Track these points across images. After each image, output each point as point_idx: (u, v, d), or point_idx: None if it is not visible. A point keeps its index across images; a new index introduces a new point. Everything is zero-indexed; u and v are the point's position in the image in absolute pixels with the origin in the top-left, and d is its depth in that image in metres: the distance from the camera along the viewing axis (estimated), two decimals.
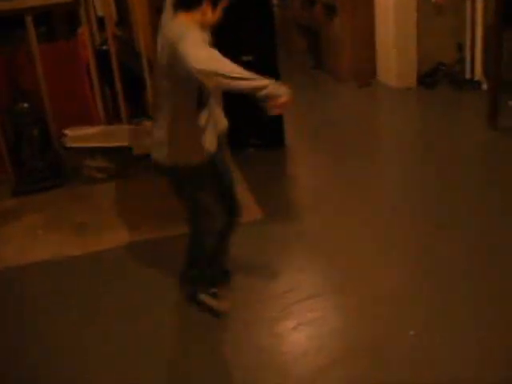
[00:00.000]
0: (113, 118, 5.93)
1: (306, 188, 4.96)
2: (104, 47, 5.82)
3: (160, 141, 3.05)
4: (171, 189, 3.21)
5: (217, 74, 2.65)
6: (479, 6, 6.46)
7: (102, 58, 5.69)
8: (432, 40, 6.87)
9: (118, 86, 5.65)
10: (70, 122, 5.41)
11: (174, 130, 3.01)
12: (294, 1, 9.33)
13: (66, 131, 5.32)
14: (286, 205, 4.67)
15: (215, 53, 2.73)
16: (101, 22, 6.10)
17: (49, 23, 5.89)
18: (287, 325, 3.23)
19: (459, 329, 3.06)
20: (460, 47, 6.85)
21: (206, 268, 3.39)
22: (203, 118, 2.98)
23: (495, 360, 2.83)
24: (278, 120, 5.48)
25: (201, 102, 2.94)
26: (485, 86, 6.49)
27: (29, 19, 5.15)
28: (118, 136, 5.41)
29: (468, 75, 6.80)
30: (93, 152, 5.21)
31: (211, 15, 2.91)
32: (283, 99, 2.66)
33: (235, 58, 2.72)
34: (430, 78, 6.98)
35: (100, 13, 6.39)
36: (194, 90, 2.88)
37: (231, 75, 2.63)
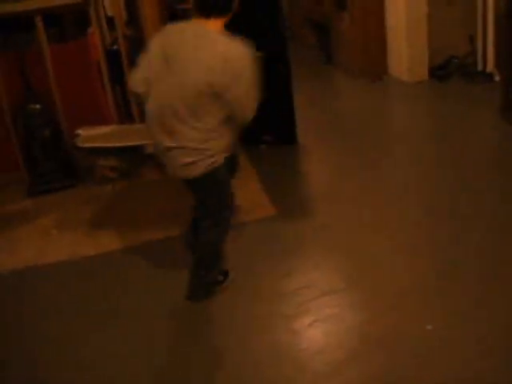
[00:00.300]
0: (125, 117, 5.93)
1: (320, 184, 4.95)
2: (114, 47, 5.83)
3: (199, 156, 3.08)
4: (201, 194, 3.31)
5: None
6: None
7: (113, 57, 5.69)
8: (443, 32, 6.82)
9: None
10: (82, 122, 5.40)
11: (215, 137, 3.08)
12: None
13: (79, 131, 5.31)
14: (300, 201, 4.66)
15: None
16: (110, 21, 6.10)
17: (59, 24, 5.89)
18: (303, 321, 3.23)
19: (476, 326, 3.03)
20: (471, 39, 6.80)
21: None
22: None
23: None
24: (291, 116, 5.47)
25: None
26: (497, 78, 6.45)
27: (38, 20, 5.16)
28: (131, 135, 5.39)
29: (480, 67, 6.76)
30: (105, 151, 5.20)
31: None
32: None
33: None
34: (441, 70, 6.94)
35: (110, 13, 6.40)
36: None
37: None
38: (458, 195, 4.32)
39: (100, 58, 5.52)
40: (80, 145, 5.19)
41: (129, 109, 5.85)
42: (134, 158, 5.34)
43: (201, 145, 3.04)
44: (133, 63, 5.63)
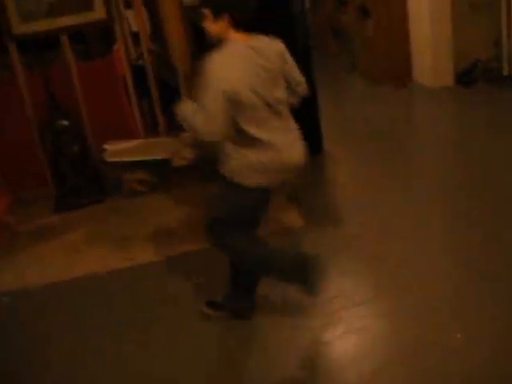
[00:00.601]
0: (151, 131, 5.97)
1: (347, 193, 4.92)
2: (140, 62, 5.88)
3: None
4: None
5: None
6: None
7: (139, 72, 5.74)
8: (467, 37, 6.77)
9: (155, 99, 5.70)
10: (109, 137, 5.44)
11: None
12: (326, 4, 9.32)
13: (106, 146, 5.36)
14: (327, 211, 4.64)
15: None
16: (135, 37, 6.16)
17: (84, 41, 5.97)
18: (334, 332, 3.21)
19: (509, 335, 2.99)
20: (496, 43, 6.74)
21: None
22: None
23: None
24: (317, 126, 5.46)
25: None
26: None
27: (64, 38, 5.23)
28: (157, 149, 5.42)
29: (506, 72, 6.69)
30: (133, 165, 5.24)
31: None
32: None
33: None
34: (466, 76, 6.89)
35: (134, 28, 6.46)
36: None
37: None
38: (488, 201, 4.27)
39: (126, 73, 5.57)
40: (107, 159, 5.24)
41: (155, 123, 5.89)
42: (162, 171, 5.37)
43: None
44: (158, 78, 5.71)
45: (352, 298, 3.45)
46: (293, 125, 3.12)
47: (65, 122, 5.28)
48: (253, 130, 2.92)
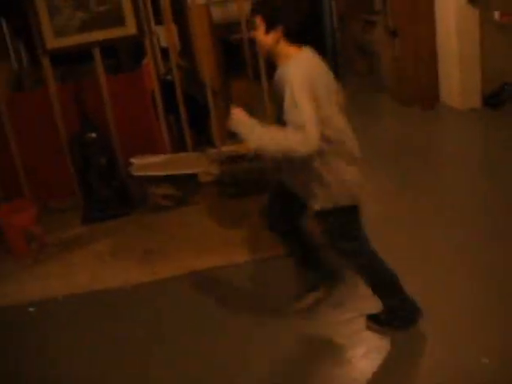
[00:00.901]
0: (178, 146, 6.03)
1: (370, 211, 4.90)
2: (168, 77, 5.95)
3: None
4: None
5: None
6: None
7: (167, 87, 5.81)
8: (496, 59, 6.75)
9: (183, 114, 5.75)
10: (137, 151, 5.52)
11: None
12: (354, 24, 9.35)
13: (133, 160, 5.43)
14: None
15: None
16: (164, 52, 6.24)
17: (115, 55, 6.06)
18: (356, 352, 3.20)
19: None
20: None
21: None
22: None
23: None
24: None
25: None
26: None
27: (96, 51, 5.32)
28: (184, 164, 5.48)
29: None
30: (159, 180, 5.29)
31: None
32: None
33: None
34: (494, 98, 6.86)
35: (164, 43, 6.55)
36: None
37: None
38: (505, 223, 4.24)
39: (154, 87, 5.64)
40: (134, 173, 5.30)
41: (182, 138, 5.94)
42: (187, 186, 5.41)
43: None
44: (186, 93, 5.77)
45: None
46: None
47: (93, 135, 5.35)
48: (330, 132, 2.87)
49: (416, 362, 3.09)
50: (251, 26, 2.90)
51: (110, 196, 5.41)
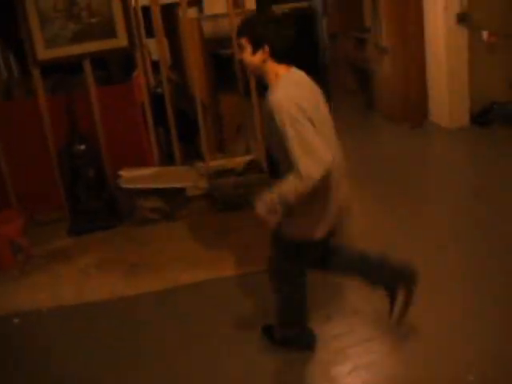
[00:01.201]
0: (166, 159, 6.02)
1: (358, 231, 4.91)
2: (158, 90, 5.95)
3: None
4: None
5: None
6: None
7: (157, 100, 5.81)
8: (484, 78, 6.82)
9: (172, 127, 5.75)
10: (125, 163, 5.51)
11: None
12: (345, 42, 9.41)
13: (121, 172, 5.42)
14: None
15: None
16: (155, 65, 6.24)
17: (105, 67, 6.06)
18: (342, 368, 3.19)
19: None
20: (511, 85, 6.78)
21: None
22: None
23: None
24: None
25: None
26: None
27: (87, 63, 5.32)
28: (172, 177, 5.48)
29: None
30: (147, 193, 5.28)
31: None
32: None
33: None
34: (482, 117, 6.91)
35: (155, 56, 6.55)
36: None
37: None
38: (501, 241, 4.26)
39: (144, 100, 5.64)
40: (122, 185, 5.29)
41: (171, 151, 5.94)
42: (175, 200, 5.40)
43: None
44: (175, 106, 5.78)
45: (362, 334, 3.43)
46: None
47: (82, 146, 5.34)
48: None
49: (403, 378, 3.08)
50: (239, 47, 2.90)
51: (97, 208, 5.39)
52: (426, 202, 5.24)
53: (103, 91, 5.52)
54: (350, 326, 3.53)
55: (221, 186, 5.39)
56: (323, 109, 2.93)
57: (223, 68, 7.12)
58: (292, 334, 3.35)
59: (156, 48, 6.25)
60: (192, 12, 6.55)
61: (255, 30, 2.83)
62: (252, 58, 2.85)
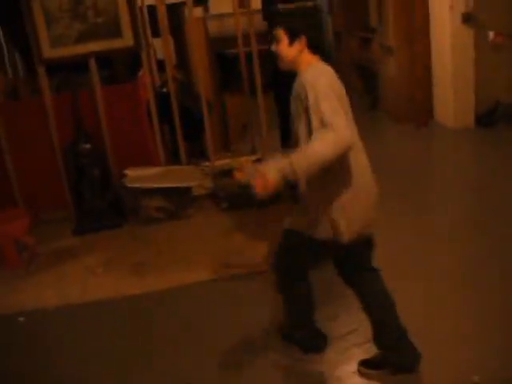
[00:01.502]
0: (172, 158, 6.03)
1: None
2: (164, 89, 5.96)
3: None
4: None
5: None
6: None
7: (162, 99, 5.82)
8: (489, 79, 6.81)
9: (178, 127, 5.76)
10: (130, 162, 5.51)
11: None
12: (350, 41, 9.40)
13: (126, 171, 5.42)
14: None
15: None
16: (161, 64, 6.26)
17: (110, 67, 6.07)
18: (349, 368, 3.18)
19: None
20: None
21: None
22: None
23: None
24: None
25: None
26: None
27: (92, 62, 5.33)
28: (177, 177, 5.48)
29: None
30: (152, 192, 5.28)
31: None
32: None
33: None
34: (487, 117, 6.90)
35: (160, 56, 6.57)
36: None
37: None
38: (501, 245, 4.25)
39: (149, 99, 5.64)
40: (127, 185, 5.29)
41: (176, 150, 5.94)
42: (180, 199, 5.40)
43: None
44: (181, 105, 5.78)
45: (367, 334, 3.42)
46: None
47: (87, 145, 5.35)
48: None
49: (406, 379, 3.08)
50: (272, 39, 2.84)
51: (102, 207, 5.40)
52: (430, 202, 5.23)
53: (109, 90, 5.53)
54: (356, 325, 3.52)
55: (226, 186, 5.39)
56: (347, 99, 2.90)
57: (228, 67, 7.14)
58: (301, 336, 3.33)
59: (161, 47, 6.26)
60: (198, 11, 6.56)
61: (293, 20, 2.83)
62: (289, 48, 2.81)
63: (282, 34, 2.80)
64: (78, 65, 5.36)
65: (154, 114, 5.67)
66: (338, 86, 2.81)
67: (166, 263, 4.59)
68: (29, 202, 5.52)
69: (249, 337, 3.55)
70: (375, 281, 3.10)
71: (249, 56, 5.77)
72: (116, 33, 5.34)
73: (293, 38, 2.79)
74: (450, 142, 6.83)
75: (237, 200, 5.32)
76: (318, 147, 2.53)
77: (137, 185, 5.27)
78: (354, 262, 3.07)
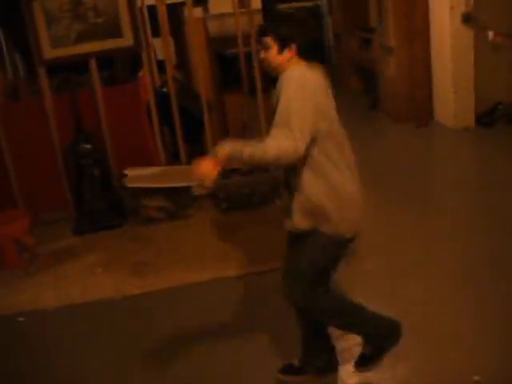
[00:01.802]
0: (172, 158, 6.03)
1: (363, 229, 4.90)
2: (164, 89, 5.96)
3: None
4: None
5: None
6: None
7: (162, 99, 5.82)
8: (489, 79, 6.81)
9: (177, 127, 5.76)
10: (130, 162, 5.50)
11: None
12: (350, 42, 9.41)
13: (126, 171, 5.41)
14: None
15: None
16: (161, 64, 6.26)
17: (110, 67, 6.07)
18: (348, 368, 3.18)
19: None
20: None
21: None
22: None
23: None
24: None
25: None
26: None
27: (92, 62, 5.33)
28: (178, 176, 5.47)
29: None
30: (152, 192, 5.28)
31: None
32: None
33: None
34: (487, 117, 6.91)
35: (160, 56, 6.57)
36: None
37: None
38: (501, 244, 4.25)
39: (149, 99, 5.65)
40: (127, 185, 5.28)
41: (176, 150, 5.94)
42: (181, 199, 5.40)
43: None
44: (181, 106, 5.78)
45: None
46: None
47: (87, 146, 5.35)
48: (335, 153, 2.74)
49: (406, 380, 3.08)
50: (262, 46, 2.77)
51: (102, 207, 5.40)
52: (431, 202, 5.23)
53: (109, 91, 5.53)
54: None
55: (226, 186, 5.39)
56: (331, 97, 2.86)
57: (228, 67, 7.13)
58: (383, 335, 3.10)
59: (161, 47, 6.26)
60: (198, 11, 6.56)
61: (282, 28, 2.75)
62: (278, 57, 2.75)
63: (271, 42, 2.74)
64: (78, 65, 5.37)
65: (154, 114, 5.67)
66: (323, 89, 2.76)
67: (166, 263, 4.60)
68: (29, 203, 5.53)
69: (249, 337, 3.55)
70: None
71: (249, 56, 5.78)
72: (116, 33, 5.35)
73: (282, 46, 2.74)
74: (450, 141, 6.84)
75: (236, 200, 5.33)
76: (272, 150, 2.53)
77: (136, 185, 5.26)
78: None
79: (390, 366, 3.18)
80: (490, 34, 6.64)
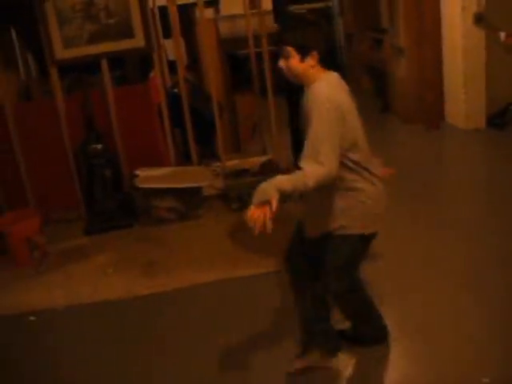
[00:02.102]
0: (183, 159, 6.04)
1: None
2: (175, 90, 5.97)
3: None
4: None
5: None
6: None
7: (173, 100, 5.83)
8: (501, 80, 6.79)
9: (188, 127, 5.77)
10: (141, 163, 5.53)
11: None
12: (361, 43, 9.39)
13: (137, 172, 5.44)
14: None
15: None
16: (172, 65, 6.27)
17: (122, 68, 6.10)
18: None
19: None
20: None
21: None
22: None
23: None
24: None
25: None
26: None
27: (104, 63, 5.36)
28: (188, 177, 5.49)
29: None
30: (163, 193, 5.30)
31: None
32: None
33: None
34: (499, 118, 6.88)
35: (171, 57, 6.58)
36: None
37: None
38: (509, 245, 4.24)
39: (161, 100, 5.66)
40: (138, 185, 5.31)
41: (187, 151, 5.96)
42: (192, 199, 5.41)
43: None
44: (192, 106, 5.80)
45: None
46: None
47: (99, 146, 5.37)
48: (362, 161, 2.88)
49: (417, 381, 3.08)
50: (283, 55, 2.77)
51: (113, 207, 5.42)
52: (441, 203, 5.21)
53: (120, 91, 5.55)
54: None
55: (237, 186, 5.40)
56: (356, 111, 2.95)
57: (239, 68, 7.15)
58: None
59: (173, 48, 6.28)
60: (209, 12, 6.57)
61: (302, 37, 2.75)
62: (301, 65, 2.76)
63: (292, 52, 2.74)
64: (89, 65, 5.39)
65: (165, 115, 5.68)
66: (348, 100, 2.85)
67: (177, 264, 4.60)
68: (40, 202, 5.56)
69: (260, 337, 3.56)
70: None
71: (259, 56, 5.79)
72: (128, 34, 5.37)
73: (304, 54, 2.75)
74: (461, 143, 6.81)
75: (247, 201, 5.32)
76: (311, 180, 2.62)
77: (147, 185, 5.29)
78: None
79: (398, 367, 3.19)
80: (502, 34, 6.61)
